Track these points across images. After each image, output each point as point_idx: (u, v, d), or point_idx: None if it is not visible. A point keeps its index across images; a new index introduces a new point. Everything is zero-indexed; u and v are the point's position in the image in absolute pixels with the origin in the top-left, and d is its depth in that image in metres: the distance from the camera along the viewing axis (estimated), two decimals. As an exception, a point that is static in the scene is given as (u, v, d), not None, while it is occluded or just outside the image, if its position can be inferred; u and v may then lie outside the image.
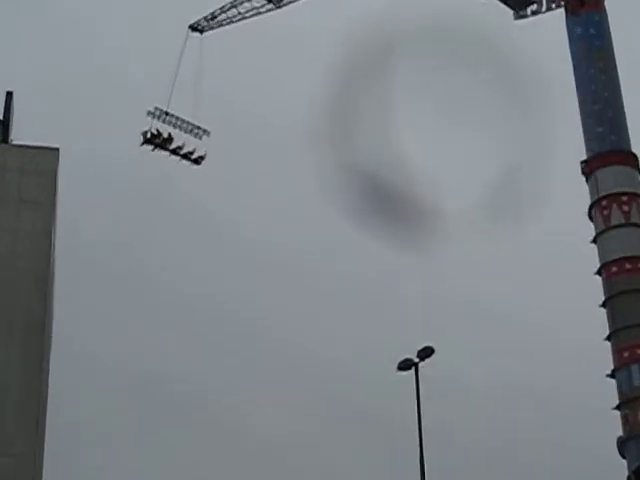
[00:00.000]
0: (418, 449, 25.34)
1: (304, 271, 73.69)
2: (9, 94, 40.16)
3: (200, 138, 50.70)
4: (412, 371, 26.20)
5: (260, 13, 53.54)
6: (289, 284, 73.44)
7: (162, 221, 74.20)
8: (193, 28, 54.50)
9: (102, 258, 69.93)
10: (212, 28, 54.34)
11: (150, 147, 50.44)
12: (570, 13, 42.68)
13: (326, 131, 46.29)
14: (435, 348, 26.01)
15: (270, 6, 53.32)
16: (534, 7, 45.75)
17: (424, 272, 63.90)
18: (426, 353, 26.40)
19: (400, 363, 26.50)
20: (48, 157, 37.15)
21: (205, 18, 54.12)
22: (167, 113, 50.68)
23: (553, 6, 44.96)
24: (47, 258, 36.04)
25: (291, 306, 70.75)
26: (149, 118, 50.57)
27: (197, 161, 51.26)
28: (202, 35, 55.09)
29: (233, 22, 54.41)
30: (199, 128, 51.07)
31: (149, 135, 49.45)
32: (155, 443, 62.83)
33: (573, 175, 40.68)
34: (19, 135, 39.96)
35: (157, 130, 50.29)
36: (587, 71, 40.67)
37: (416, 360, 26.43)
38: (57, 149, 37.45)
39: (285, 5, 53.56)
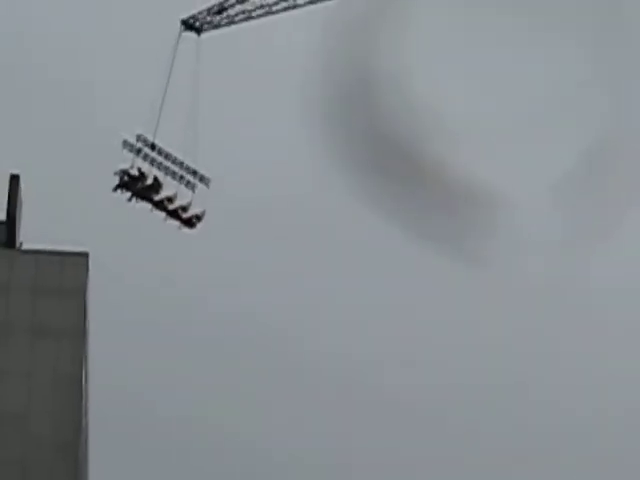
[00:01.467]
0: None
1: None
2: (14, 178, 30.12)
3: (193, 189, 33.84)
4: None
5: (271, 13, 38.96)
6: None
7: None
8: (187, 25, 38.40)
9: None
10: (216, 27, 38.82)
11: (127, 194, 33.41)
12: None
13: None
14: None
15: (287, 3, 38.37)
16: None
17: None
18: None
19: None
20: (76, 266, 28.72)
21: (209, 11, 38.17)
22: (153, 146, 34.00)
23: None
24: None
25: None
26: (126, 151, 33.52)
27: (190, 222, 33.91)
28: (199, 36, 38.68)
29: (252, 18, 39.80)
30: (195, 174, 33.93)
31: (127, 177, 32.97)
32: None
33: None
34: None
35: (140, 170, 33.51)
36: None
37: None
38: (86, 254, 28.76)
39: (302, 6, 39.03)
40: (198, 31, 37.77)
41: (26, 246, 29.49)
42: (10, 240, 29.35)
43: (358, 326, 67.14)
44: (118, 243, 54.90)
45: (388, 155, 32.61)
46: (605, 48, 33.91)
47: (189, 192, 34.52)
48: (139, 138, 33.15)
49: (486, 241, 32.66)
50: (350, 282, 67.22)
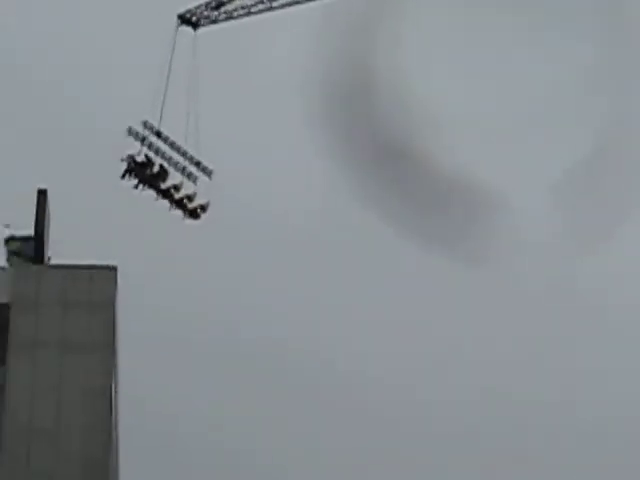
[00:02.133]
0: None
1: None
2: (42, 193, 29.92)
3: (195, 181, 32.84)
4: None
5: (272, 9, 35.80)
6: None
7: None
8: (184, 19, 35.98)
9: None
10: (214, 22, 36.02)
11: (133, 182, 32.55)
12: None
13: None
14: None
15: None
16: None
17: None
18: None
19: None
20: (105, 280, 28.41)
21: (207, 5, 35.52)
22: (159, 134, 33.06)
23: None
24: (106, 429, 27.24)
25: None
26: (132, 139, 32.58)
27: (195, 213, 32.90)
28: (196, 32, 36.47)
29: (252, 13, 36.89)
30: (199, 165, 33.05)
31: (134, 163, 32.04)
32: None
33: None
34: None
35: (147, 157, 34.07)
36: None
37: None
38: (115, 268, 28.44)
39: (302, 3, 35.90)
40: (195, 26, 36.58)
41: (55, 261, 29.54)
42: (38, 255, 29.39)
43: (357, 326, 66.27)
44: (144, 256, 54.93)
45: (387, 155, 32.25)
46: (605, 48, 33.28)
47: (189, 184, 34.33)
48: (145, 125, 32.91)
49: (485, 241, 32.16)
50: (349, 282, 66.82)
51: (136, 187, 32.72)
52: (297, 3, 36.17)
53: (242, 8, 36.09)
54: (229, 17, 36.46)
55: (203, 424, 61.62)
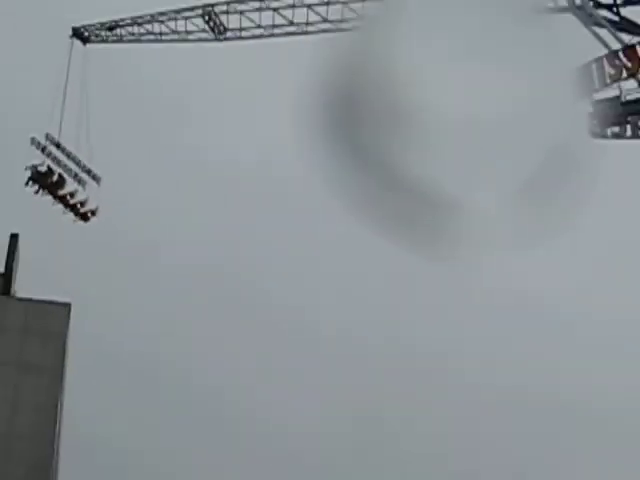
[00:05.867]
0: None
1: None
2: (13, 237, 34.80)
3: (84, 186, 37.64)
4: None
5: (187, 40, 37.53)
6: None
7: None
8: (76, 33, 38.22)
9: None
10: (105, 40, 38.37)
11: (34, 187, 36.67)
12: None
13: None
14: None
15: (206, 35, 37.33)
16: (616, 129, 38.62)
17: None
18: None
19: None
20: (58, 315, 32.57)
21: (102, 25, 37.92)
22: (58, 145, 36.99)
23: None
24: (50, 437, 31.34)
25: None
26: (34, 148, 36.84)
27: (86, 216, 37.76)
28: (85, 46, 38.46)
29: (141, 41, 38.41)
30: (89, 172, 37.69)
31: (37, 172, 35.90)
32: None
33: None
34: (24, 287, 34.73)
35: (49, 167, 37.07)
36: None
37: None
38: (68, 305, 32.78)
39: (228, 40, 37.43)
40: (85, 41, 38.17)
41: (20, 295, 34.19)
42: (6, 289, 33.73)
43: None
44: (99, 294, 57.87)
45: (369, 164, 36.09)
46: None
47: (84, 189, 37.94)
48: (47, 137, 36.87)
49: (451, 244, 36.08)
50: (332, 277, 71.07)
51: (36, 193, 37.05)
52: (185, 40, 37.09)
53: (131, 34, 38.53)
54: (119, 40, 38.81)
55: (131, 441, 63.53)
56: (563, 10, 35.23)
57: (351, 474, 64.64)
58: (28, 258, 33.55)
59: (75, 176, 37.02)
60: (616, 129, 35.88)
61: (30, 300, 33.02)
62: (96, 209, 37.07)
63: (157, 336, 69.00)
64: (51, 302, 32.38)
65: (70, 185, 36.61)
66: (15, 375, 31.29)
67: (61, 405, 32.61)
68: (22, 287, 34.70)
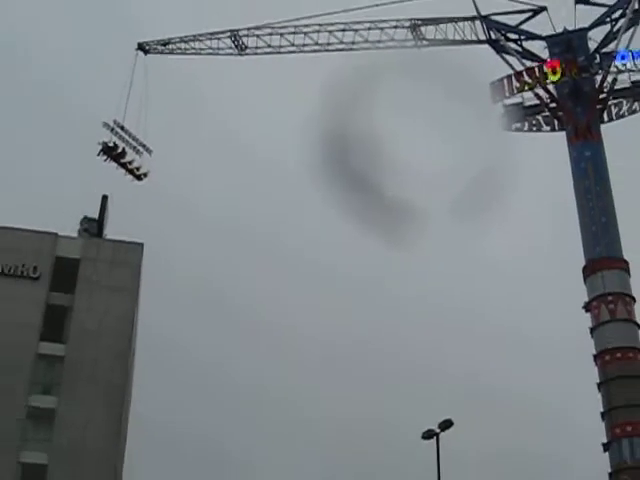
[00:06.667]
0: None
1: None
2: (104, 198, 45.49)
3: (140, 155, 46.99)
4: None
5: (218, 54, 50.77)
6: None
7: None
8: (140, 47, 50.89)
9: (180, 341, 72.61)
10: (161, 52, 50.97)
11: (104, 158, 45.98)
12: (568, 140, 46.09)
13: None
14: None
15: (232, 51, 51.00)
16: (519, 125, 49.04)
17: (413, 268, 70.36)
18: (446, 425, 30.07)
19: (424, 433, 30.21)
20: (134, 251, 42.65)
21: (158, 42, 51.07)
22: (123, 127, 47.01)
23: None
24: (129, 336, 41.18)
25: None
26: (105, 130, 46.20)
27: (140, 177, 47.00)
28: (145, 56, 50.75)
29: (186, 54, 51.74)
30: (144, 146, 47.36)
31: (106, 146, 45.95)
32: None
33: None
34: (112, 231, 45.00)
35: (114, 143, 46.57)
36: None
37: (437, 431, 30.09)
38: (142, 244, 42.99)
39: (248, 55, 50.81)
40: (145, 52, 50.36)
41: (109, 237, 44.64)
42: (99, 233, 44.63)
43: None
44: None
45: (359, 186, 43.99)
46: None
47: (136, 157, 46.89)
48: (115, 122, 46.65)
49: (410, 234, 44.39)
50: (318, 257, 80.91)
51: (105, 161, 46.46)
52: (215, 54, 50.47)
53: (179, 49, 51.78)
54: (170, 52, 51.68)
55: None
56: (482, 42, 47.15)
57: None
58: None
59: (134, 148, 47.25)
60: (519, 125, 47.77)
61: (115, 240, 43.40)
62: (148, 172, 47.37)
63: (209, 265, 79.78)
64: (130, 242, 42.79)
65: (129, 155, 46.90)
66: (106, 294, 40.90)
67: (137, 315, 43.03)
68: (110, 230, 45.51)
